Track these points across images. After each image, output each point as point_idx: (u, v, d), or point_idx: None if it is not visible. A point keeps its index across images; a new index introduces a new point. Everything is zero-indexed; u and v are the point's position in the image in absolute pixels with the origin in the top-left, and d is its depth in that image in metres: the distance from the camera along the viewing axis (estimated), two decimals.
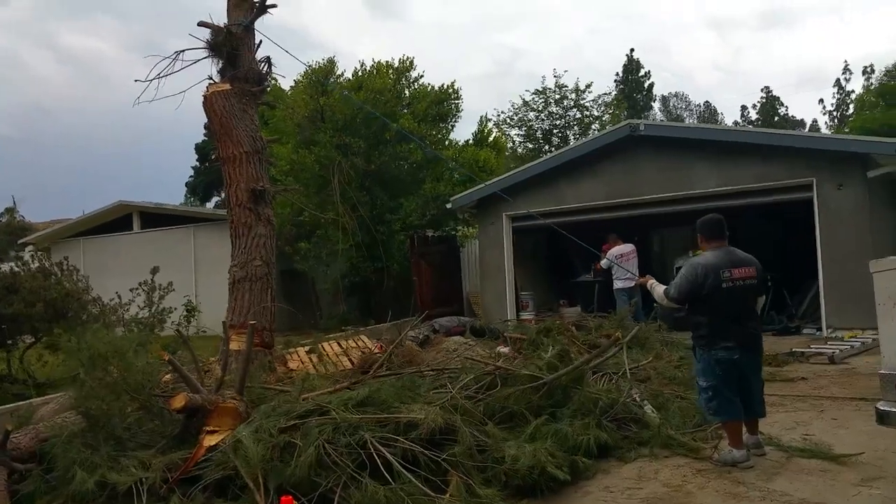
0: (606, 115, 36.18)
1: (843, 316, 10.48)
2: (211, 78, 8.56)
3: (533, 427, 4.94)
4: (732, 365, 4.68)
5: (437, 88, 16.48)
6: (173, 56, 8.43)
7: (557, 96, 34.02)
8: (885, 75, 39.21)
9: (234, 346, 7.89)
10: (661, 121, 46.11)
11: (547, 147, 31.77)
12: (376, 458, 4.28)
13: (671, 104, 56.90)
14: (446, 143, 16.80)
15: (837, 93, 46.89)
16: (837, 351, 8.52)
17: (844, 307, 10.48)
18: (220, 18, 8.67)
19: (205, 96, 8.16)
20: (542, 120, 33.48)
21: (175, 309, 12.01)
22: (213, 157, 8.67)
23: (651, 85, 51.24)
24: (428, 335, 9.48)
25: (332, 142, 14.86)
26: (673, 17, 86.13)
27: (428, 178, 15.15)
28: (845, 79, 46.55)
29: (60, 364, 10.48)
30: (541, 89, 32.67)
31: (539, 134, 31.94)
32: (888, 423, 3.85)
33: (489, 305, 13.67)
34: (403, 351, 8.12)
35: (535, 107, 33.46)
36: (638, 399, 5.94)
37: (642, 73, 50.69)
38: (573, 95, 34.07)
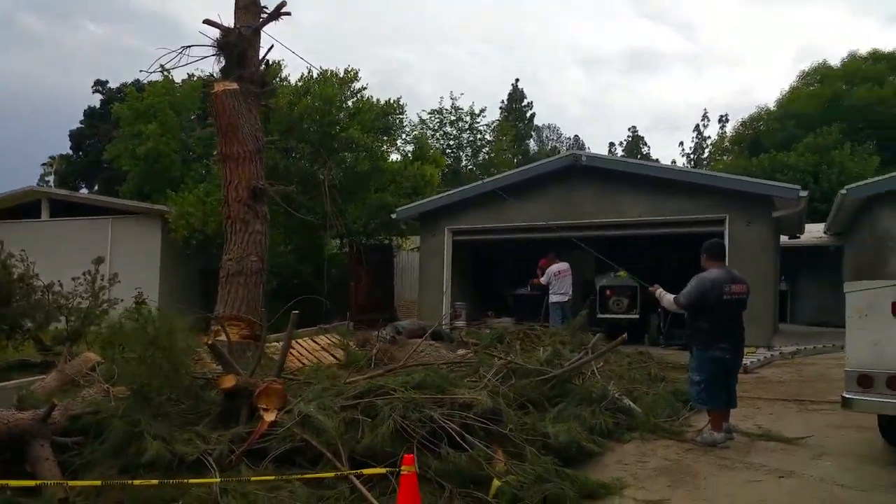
0: (495, 142, 38.44)
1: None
2: (211, 75, 8.91)
3: (556, 411, 5.82)
4: (723, 363, 5.81)
5: (383, 102, 17.16)
6: (179, 50, 8.74)
7: (453, 118, 35.88)
8: (740, 125, 43.59)
9: (226, 336, 8.26)
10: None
11: None
12: (449, 431, 4.98)
13: (544, 135, 59.35)
14: (389, 156, 17.50)
15: (696, 137, 50.67)
16: (749, 363, 10.00)
17: (746, 326, 12.13)
18: None
19: (215, 93, 8.50)
20: (438, 139, 35.14)
21: (121, 300, 11.93)
22: (214, 153, 8.96)
23: (532, 115, 53.93)
24: (394, 336, 10.12)
25: (277, 145, 15.13)
26: (547, 51, 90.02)
27: (373, 187, 15.75)
28: (703, 125, 50.51)
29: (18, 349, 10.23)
30: (437, 109, 34.25)
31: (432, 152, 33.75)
32: (850, 407, 5.05)
33: (425, 312, 14.44)
34: (384, 349, 8.80)
35: (430, 125, 35.10)
36: (616, 394, 6.95)
37: (525, 102, 53.32)
38: (468, 118, 36.05)
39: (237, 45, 8.77)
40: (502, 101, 52.78)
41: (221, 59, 8.94)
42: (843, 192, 13.96)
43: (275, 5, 8.95)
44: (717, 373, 5.84)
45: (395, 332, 10.36)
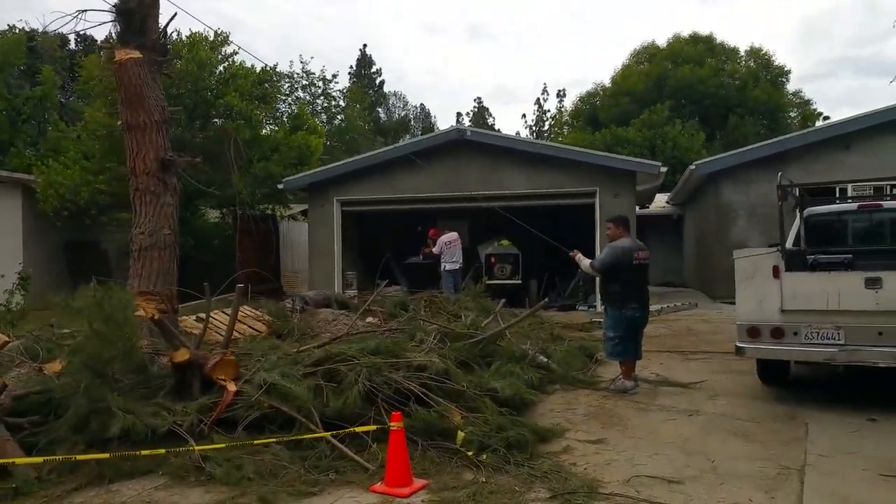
0: (347, 109, 38.44)
1: None
2: (112, 42, 8.52)
3: (493, 369, 6.44)
4: (634, 321, 6.69)
5: (258, 70, 16.79)
6: (75, 14, 8.26)
7: (305, 82, 35.40)
8: (578, 100, 46.00)
9: (144, 311, 8.11)
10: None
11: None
12: (414, 392, 5.43)
13: (391, 102, 58.64)
14: (269, 125, 17.18)
15: (537, 110, 52.67)
16: None
17: None
18: None
19: (119, 62, 8.13)
20: (290, 104, 34.55)
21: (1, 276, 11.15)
22: (119, 123, 8.52)
23: (382, 82, 53.60)
24: (303, 307, 10.28)
25: (180, 114, 14.48)
26: (389, 16, 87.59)
27: (255, 157, 15.46)
28: (543, 98, 52.60)
29: None
30: (288, 73, 33.71)
31: (285, 118, 33.59)
32: (742, 354, 6.07)
33: (317, 282, 14.59)
34: (302, 319, 9.02)
35: (281, 90, 34.40)
36: (532, 352, 7.70)
37: (374, 69, 52.97)
38: (320, 83, 35.70)
39: (138, 11, 8.42)
40: (351, 67, 52.21)
41: (118, 25, 8.56)
42: (692, 167, 15.69)
43: None
44: (629, 329, 6.72)
45: (303, 302, 10.50)
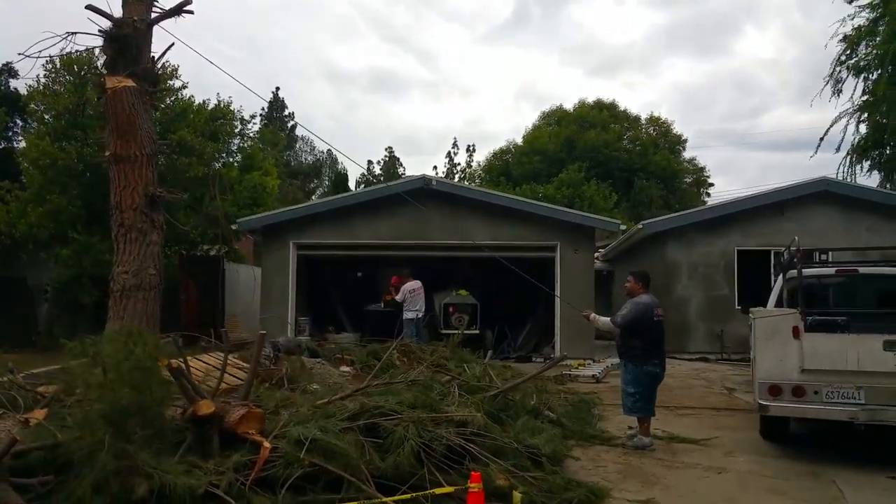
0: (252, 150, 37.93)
1: (573, 348, 13.53)
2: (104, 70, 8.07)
3: (521, 424, 6.31)
4: (655, 377, 6.75)
5: (210, 106, 16.26)
6: (64, 35, 7.78)
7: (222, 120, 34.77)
8: (492, 156, 47.39)
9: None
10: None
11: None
12: (469, 449, 5.23)
13: (297, 146, 57.11)
14: (221, 165, 16.57)
15: (448, 163, 53.65)
16: (598, 373, 11.35)
17: (573, 342, 13.61)
18: None
19: (112, 89, 7.66)
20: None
21: None
22: (107, 153, 7.92)
23: (294, 126, 53.14)
24: (277, 354, 9.82)
25: (95, 138, 13.68)
26: (294, 61, 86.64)
27: (207, 195, 14.83)
28: (454, 152, 53.64)
29: None
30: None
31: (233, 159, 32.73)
32: (765, 412, 6.24)
33: (268, 327, 13.93)
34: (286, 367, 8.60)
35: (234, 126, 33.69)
36: (541, 406, 7.63)
37: (286, 112, 52.79)
38: (238, 124, 35.17)
39: (133, 37, 8.02)
40: (262, 109, 51.61)
41: (108, 50, 8.13)
42: (640, 226, 16.31)
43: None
44: (650, 385, 6.79)
45: (275, 350, 10.04)
